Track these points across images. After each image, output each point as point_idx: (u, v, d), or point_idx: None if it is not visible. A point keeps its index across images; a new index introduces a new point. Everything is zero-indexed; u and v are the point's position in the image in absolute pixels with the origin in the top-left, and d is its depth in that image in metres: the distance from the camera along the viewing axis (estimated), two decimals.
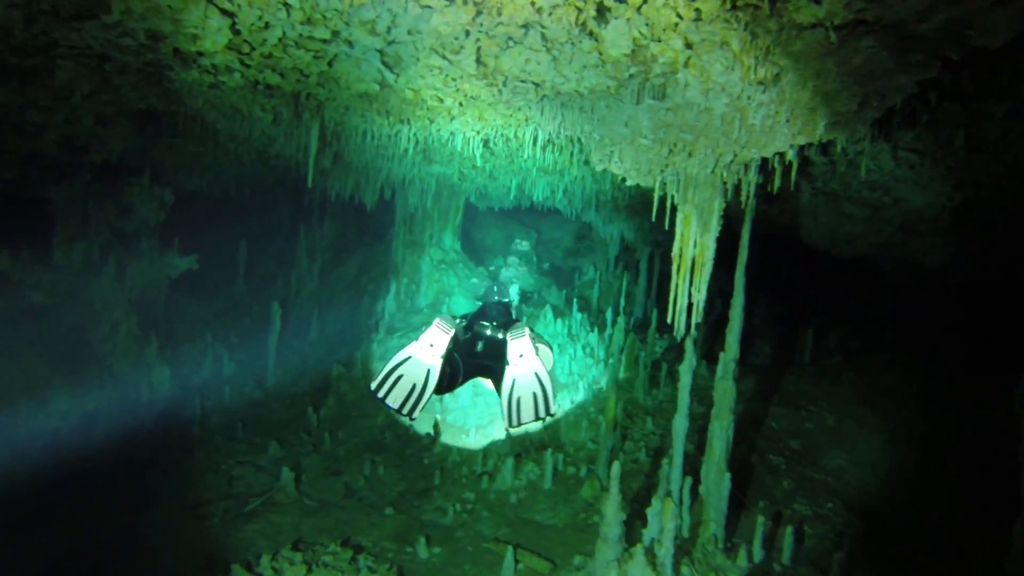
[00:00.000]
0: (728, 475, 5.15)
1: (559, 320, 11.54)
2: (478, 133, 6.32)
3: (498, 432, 8.64)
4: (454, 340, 2.79)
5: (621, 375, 9.54)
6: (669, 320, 4.32)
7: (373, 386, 2.67)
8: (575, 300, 13.15)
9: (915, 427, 6.97)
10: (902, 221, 8.33)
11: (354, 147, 7.95)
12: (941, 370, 8.77)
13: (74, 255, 7.86)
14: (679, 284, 4.29)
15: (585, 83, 4.43)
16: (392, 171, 9.67)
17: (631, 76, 4.07)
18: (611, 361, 9.81)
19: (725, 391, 5.25)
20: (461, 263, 12.45)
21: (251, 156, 9.70)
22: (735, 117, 3.59)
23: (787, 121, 3.34)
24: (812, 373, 9.31)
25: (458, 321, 3.02)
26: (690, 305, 4.27)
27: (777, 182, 4.00)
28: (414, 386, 2.66)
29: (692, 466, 5.71)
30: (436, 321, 2.73)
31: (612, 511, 4.62)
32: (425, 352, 2.69)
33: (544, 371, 2.67)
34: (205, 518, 6.38)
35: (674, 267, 4.31)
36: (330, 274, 12.58)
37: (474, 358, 2.93)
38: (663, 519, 4.42)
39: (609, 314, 12.55)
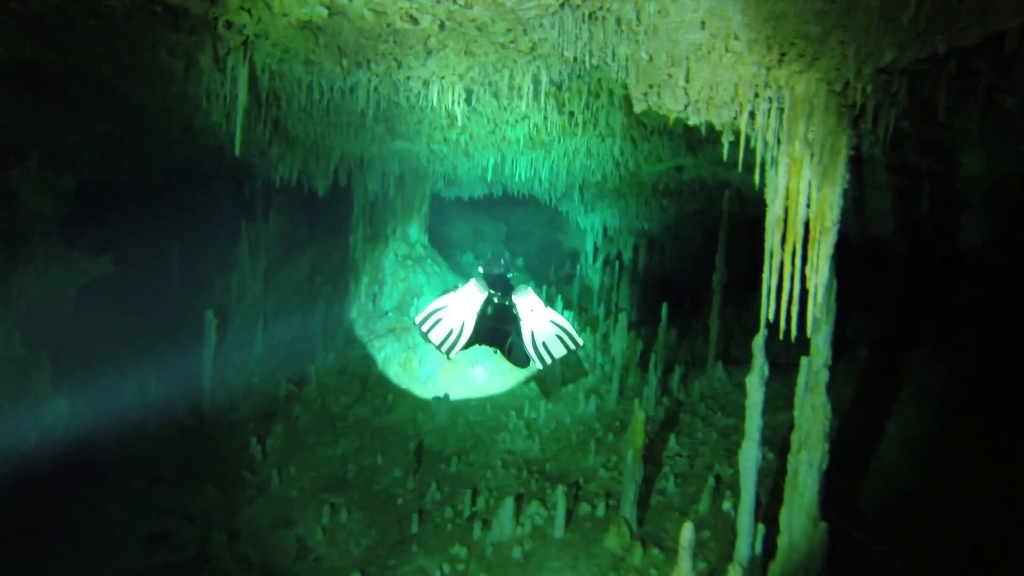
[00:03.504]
0: (824, 525, 3.79)
1: None
2: (461, 78, 4.80)
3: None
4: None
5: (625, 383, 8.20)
6: (769, 315, 2.92)
7: (417, 320, 2.74)
8: (558, 297, 11.74)
9: (1000, 443, 5.77)
10: (949, 192, 7.20)
11: (297, 111, 6.32)
12: (985, 363, 7.69)
13: None
14: (784, 263, 2.89)
15: None
16: (347, 148, 8.06)
17: None
18: (612, 366, 8.44)
19: (815, 409, 3.87)
20: (430, 259, 10.86)
21: (176, 134, 7.93)
22: None
23: None
24: (840, 370, 8.07)
25: None
26: (804, 292, 2.88)
27: (942, 103, 2.63)
28: (451, 330, 2.71)
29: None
30: (472, 281, 2.79)
31: None
32: (462, 305, 2.74)
33: (558, 315, 2.80)
34: None
35: (775, 238, 2.92)
36: (277, 275, 10.82)
37: (484, 320, 2.86)
38: None
39: (600, 311, 11.19)
